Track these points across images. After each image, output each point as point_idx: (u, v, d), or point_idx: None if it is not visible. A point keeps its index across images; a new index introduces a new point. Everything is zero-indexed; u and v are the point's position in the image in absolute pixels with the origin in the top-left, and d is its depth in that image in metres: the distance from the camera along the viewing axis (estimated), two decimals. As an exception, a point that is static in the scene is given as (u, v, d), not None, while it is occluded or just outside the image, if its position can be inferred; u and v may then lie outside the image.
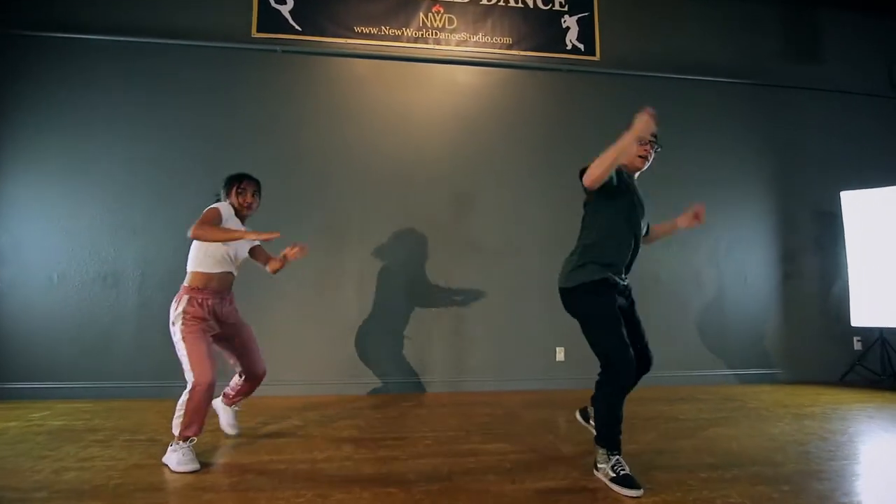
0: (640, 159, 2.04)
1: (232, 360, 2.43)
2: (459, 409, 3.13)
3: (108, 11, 3.60)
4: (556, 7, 4.11)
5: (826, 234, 4.32)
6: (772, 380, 4.07)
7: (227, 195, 2.33)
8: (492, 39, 4.01)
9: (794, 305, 4.22)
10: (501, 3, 4.04)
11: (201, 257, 2.22)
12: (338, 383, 3.56)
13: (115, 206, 3.49)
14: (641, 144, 2.00)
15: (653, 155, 2.05)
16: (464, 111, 3.94)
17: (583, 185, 1.91)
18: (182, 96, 3.63)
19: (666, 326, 3.91)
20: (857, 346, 4.24)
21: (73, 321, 3.39)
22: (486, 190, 3.88)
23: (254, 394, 3.37)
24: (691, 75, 4.21)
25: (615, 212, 1.96)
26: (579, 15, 4.13)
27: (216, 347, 2.30)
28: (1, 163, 3.42)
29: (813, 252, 4.31)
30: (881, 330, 4.06)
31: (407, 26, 3.92)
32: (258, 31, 3.74)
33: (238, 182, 2.34)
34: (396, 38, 3.90)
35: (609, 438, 1.88)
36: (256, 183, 2.39)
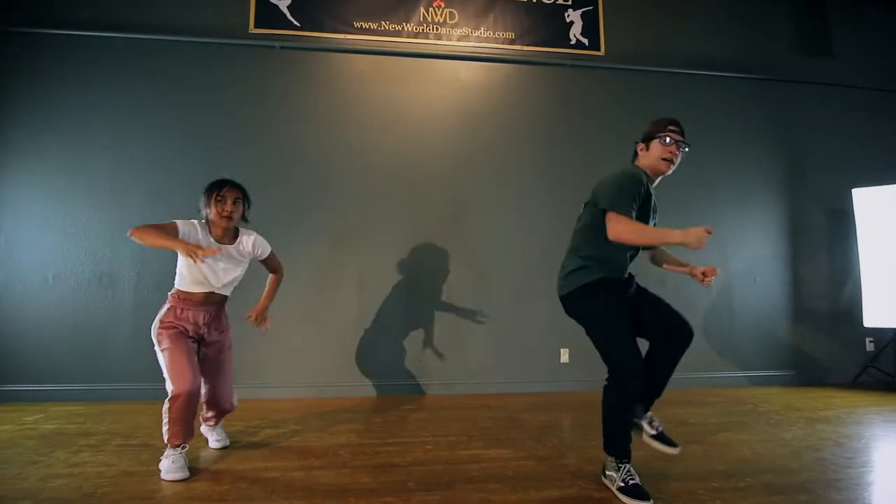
0: (664, 163, 1.85)
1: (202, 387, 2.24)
2: (461, 412, 3.05)
3: (105, 8, 3.54)
4: (560, 1, 4.02)
5: (837, 232, 4.21)
6: (782, 382, 3.96)
7: (207, 205, 2.12)
8: (494, 34, 3.93)
9: (805, 305, 4.11)
10: (504, -3, 3.95)
11: (179, 276, 2.14)
12: (337, 385, 3.49)
13: (110, 205, 3.43)
14: (667, 145, 1.83)
15: (679, 158, 1.87)
16: (465, 108, 3.86)
17: (597, 205, 1.81)
18: (179, 94, 3.57)
19: (673, 327, 3.81)
20: (870, 347, 4.13)
21: (68, 322, 3.34)
22: (487, 188, 3.80)
23: (254, 396, 3.37)
24: (698, 70, 4.11)
25: None
26: (583, 9, 4.04)
27: None
28: (-5, 162, 3.37)
29: (824, 250, 4.20)
30: (895, 330, 3.95)
31: (407, 21, 3.84)
32: (256, 26, 3.67)
33: (218, 189, 2.11)
34: (397, 34, 3.82)
35: (618, 447, 1.80)
36: (239, 190, 2.16)
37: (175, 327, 2.07)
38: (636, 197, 1.76)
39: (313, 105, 3.70)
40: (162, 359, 2.02)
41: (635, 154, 1.95)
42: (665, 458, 2.15)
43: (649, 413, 1.90)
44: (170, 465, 1.93)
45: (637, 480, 1.74)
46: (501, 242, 3.77)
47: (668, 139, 1.83)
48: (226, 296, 2.25)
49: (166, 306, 2.12)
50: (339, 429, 2.67)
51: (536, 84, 3.96)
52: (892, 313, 3.82)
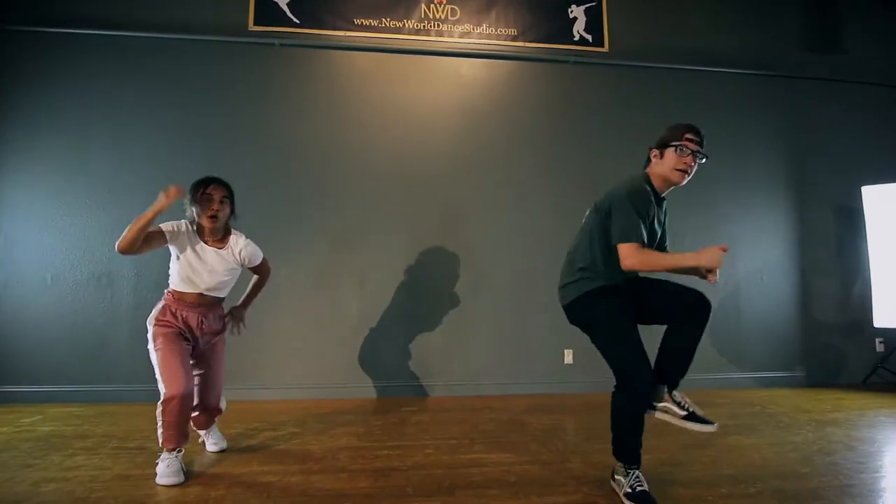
0: (678, 174, 1.74)
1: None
2: (462, 414, 3.00)
3: (105, 7, 3.51)
4: (563, -3, 3.96)
5: (846, 230, 4.13)
6: (790, 383, 3.89)
7: (192, 203, 2.05)
8: (496, 31, 3.87)
9: (814, 305, 4.04)
10: (506, -7, 3.90)
11: (171, 274, 2.10)
12: (337, 387, 3.45)
13: (109, 205, 3.40)
14: (683, 155, 1.74)
15: (695, 168, 1.75)
16: (467, 105, 3.81)
17: (605, 218, 1.74)
18: (178, 93, 3.53)
19: (679, 327, 3.75)
20: (880, 347, 4.05)
21: (67, 323, 3.31)
22: (489, 186, 3.75)
23: (253, 397, 3.33)
24: (705, 66, 4.04)
25: None
26: (587, 5, 3.98)
27: None
28: (-7, 161, 3.35)
29: (833, 249, 4.13)
30: (906, 331, 3.88)
31: (408, 18, 3.79)
32: (255, 24, 3.63)
33: (204, 187, 2.03)
34: (397, 31, 3.78)
35: (627, 452, 1.74)
36: (225, 187, 2.07)
37: (170, 326, 2.03)
38: (645, 218, 1.69)
39: (313, 103, 3.66)
40: (155, 359, 1.98)
41: (648, 160, 1.85)
42: (672, 463, 2.10)
43: (676, 393, 1.78)
44: (165, 470, 1.89)
45: (645, 487, 1.69)
46: (504, 241, 3.72)
47: (685, 149, 1.73)
48: (220, 297, 2.19)
49: (161, 303, 2.08)
50: (338, 431, 2.62)
51: (539, 81, 3.91)
52: (902, 313, 3.75)
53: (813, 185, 4.13)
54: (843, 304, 4.08)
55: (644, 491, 1.67)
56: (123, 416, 2.88)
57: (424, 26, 3.81)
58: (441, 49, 3.81)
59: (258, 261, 2.24)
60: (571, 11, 3.97)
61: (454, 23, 3.84)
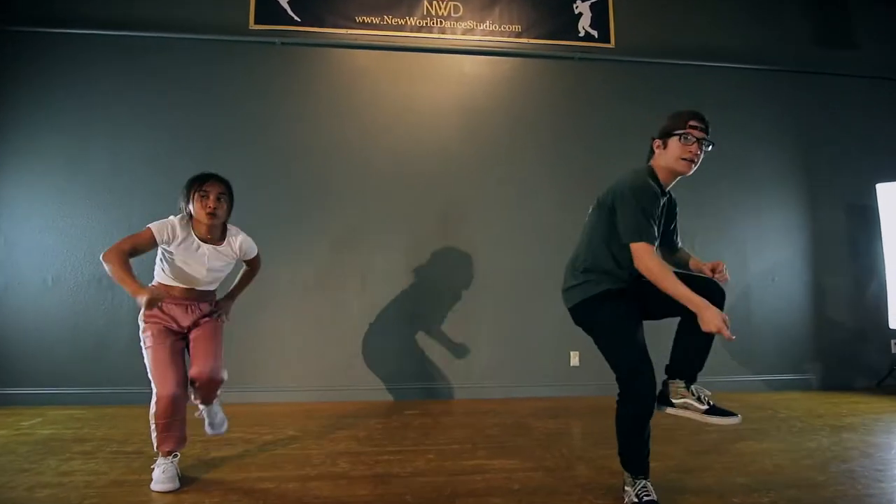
0: (683, 163, 1.65)
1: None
2: (466, 418, 2.94)
3: (105, 7, 3.48)
4: (568, -8, 3.89)
5: (861, 229, 4.02)
6: (803, 386, 3.80)
7: (188, 201, 1.96)
8: (500, 27, 3.81)
9: (827, 306, 3.94)
10: (510, -11, 3.83)
11: (157, 269, 2.03)
12: (339, 389, 3.40)
13: (110, 205, 3.38)
14: (687, 144, 1.64)
15: (701, 157, 1.67)
16: (470, 103, 3.75)
17: (611, 216, 1.68)
18: (178, 92, 3.50)
19: (687, 329, 3.67)
20: (895, 349, 3.94)
21: (67, 324, 3.29)
22: (492, 185, 3.69)
23: (254, 399, 3.29)
24: (713, 62, 3.95)
25: None
26: (592, 0, 3.91)
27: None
28: (-6, 162, 3.34)
29: (846, 249, 4.02)
30: (923, 332, 3.77)
31: (410, 15, 3.74)
32: (256, 22, 3.59)
33: (199, 184, 1.95)
34: (399, 28, 3.73)
35: (634, 462, 1.68)
36: (223, 184, 2.00)
37: (157, 322, 1.96)
38: (655, 215, 1.62)
39: (314, 102, 3.62)
40: (146, 356, 1.93)
41: (651, 151, 1.78)
42: (682, 470, 2.04)
43: (695, 387, 1.70)
44: (160, 475, 1.85)
45: (652, 497, 1.62)
46: (507, 241, 3.65)
47: (689, 137, 1.64)
48: (209, 291, 2.12)
49: None
50: (338, 435, 2.58)
51: (543, 78, 3.84)
52: (919, 314, 3.64)
53: (825, 183, 4.03)
54: (857, 305, 3.97)
55: (652, 501, 1.60)
56: (124, 419, 2.85)
57: (427, 23, 3.76)
58: (443, 46, 3.76)
59: (254, 253, 2.21)
60: (577, 7, 3.90)
61: (457, 20, 3.78)
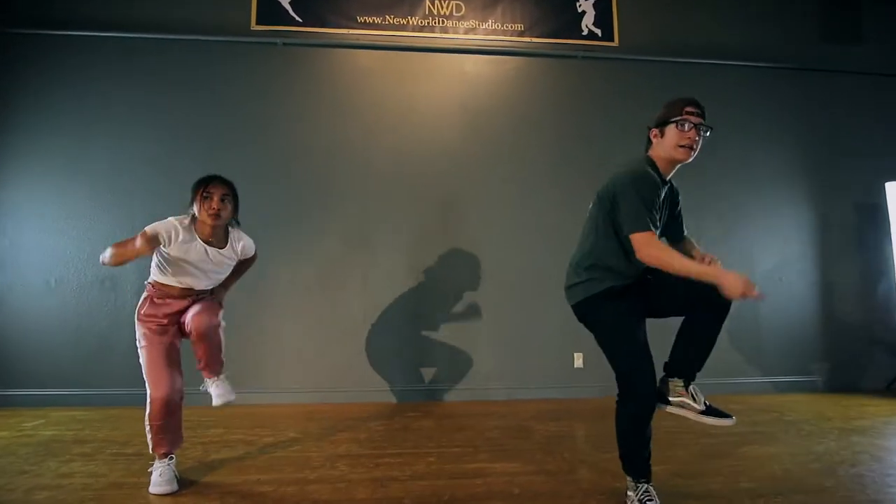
0: (682, 150, 1.62)
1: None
2: (468, 420, 2.92)
3: (106, 8, 3.49)
4: (571, -10, 3.86)
5: (869, 228, 3.96)
6: (811, 388, 3.74)
7: (193, 203, 1.96)
8: (502, 26, 3.79)
9: (834, 306, 3.87)
10: (512, -12, 3.80)
11: (156, 267, 1.99)
12: (341, 391, 3.39)
13: (112, 206, 3.38)
14: (685, 131, 1.61)
15: (699, 144, 1.64)
16: (473, 102, 3.72)
17: (610, 211, 1.65)
18: (180, 93, 3.50)
19: (693, 330, 3.62)
20: (906, 350, 3.88)
21: (71, 326, 3.30)
22: (495, 185, 3.66)
23: (255, 401, 3.28)
24: (719, 60, 3.90)
25: None
26: (596, -2, 3.87)
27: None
28: (-3, 165, 3.35)
29: (855, 248, 3.96)
30: (934, 333, 3.70)
31: (412, 14, 3.72)
32: (258, 23, 3.59)
33: (203, 186, 1.94)
34: (401, 28, 3.71)
35: (635, 465, 1.65)
36: (227, 185, 1.99)
37: (153, 320, 1.93)
38: (653, 204, 1.59)
39: (316, 102, 3.61)
40: (141, 356, 1.91)
41: (648, 141, 1.75)
42: (687, 475, 2.00)
43: (692, 386, 1.67)
44: (157, 478, 1.84)
45: (655, 501, 1.59)
46: (510, 241, 3.63)
47: (685, 124, 1.62)
48: (207, 290, 2.08)
49: (144, 295, 1.98)
50: (339, 437, 2.56)
51: (546, 77, 3.81)
52: (930, 315, 3.58)
53: (832, 181, 3.96)
54: (866, 305, 3.90)
55: None
56: (126, 420, 2.85)
57: (429, 23, 3.74)
58: (446, 46, 3.74)
59: (252, 252, 2.20)
60: (580, 5, 3.86)
61: (459, 19, 3.76)
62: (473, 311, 3.55)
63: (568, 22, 3.84)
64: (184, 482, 1.92)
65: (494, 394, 3.48)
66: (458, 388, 3.48)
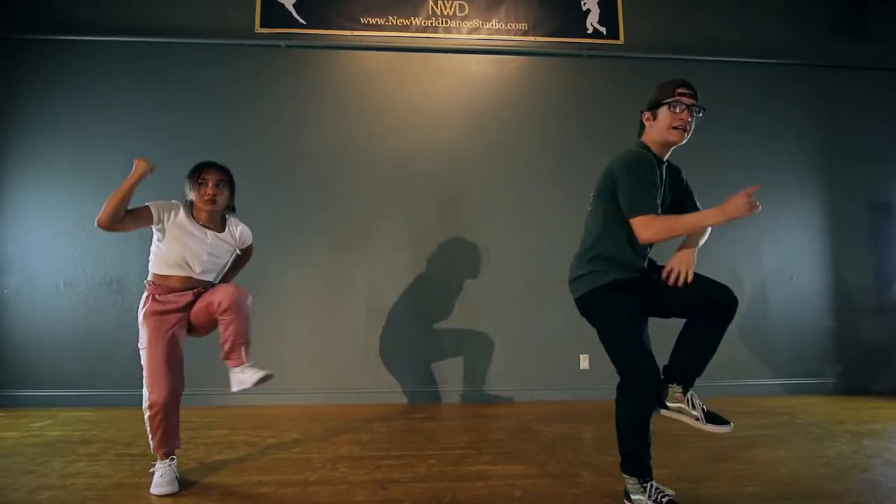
0: (675, 132, 1.62)
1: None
2: (472, 422, 2.90)
3: (108, 12, 3.53)
4: (576, -12, 3.83)
5: (881, 226, 3.87)
6: (822, 390, 3.66)
7: (190, 190, 2.01)
8: (506, 26, 3.77)
9: (846, 306, 3.80)
10: (516, -13, 3.78)
11: (154, 257, 2.00)
12: (344, 392, 3.38)
13: (119, 209, 3.41)
14: (677, 112, 1.61)
15: (692, 125, 1.64)
16: (476, 103, 3.71)
17: (610, 199, 1.65)
18: (184, 95, 3.53)
19: (701, 331, 3.57)
20: (921, 351, 3.79)
21: (79, 327, 3.34)
22: (500, 186, 3.64)
23: (258, 402, 3.29)
24: (726, 57, 3.84)
25: None
26: (600, -4, 3.84)
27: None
28: (6, 170, 3.39)
29: (866, 247, 3.87)
30: (950, 334, 3.61)
31: (416, 15, 3.72)
32: (261, 25, 3.61)
33: (198, 172, 1.99)
34: (404, 28, 3.71)
35: (638, 464, 1.62)
36: (222, 171, 2.02)
37: (157, 318, 1.93)
38: (653, 185, 1.58)
39: (320, 104, 3.62)
40: (142, 357, 1.92)
41: (642, 126, 1.75)
42: (692, 479, 1.96)
43: (690, 392, 1.62)
44: (158, 479, 1.85)
45: (671, 494, 1.57)
46: (514, 242, 3.60)
47: (678, 106, 1.61)
48: (208, 281, 2.07)
49: (145, 294, 1.98)
50: (341, 439, 2.55)
51: (550, 76, 3.78)
52: (946, 315, 3.49)
53: (844, 179, 3.88)
54: (879, 306, 3.82)
55: (672, 500, 1.55)
56: (131, 421, 2.86)
57: (432, 23, 3.73)
58: (449, 46, 3.73)
59: (250, 241, 2.23)
60: (584, 4, 3.83)
61: (463, 19, 3.75)
62: (478, 312, 3.53)
63: (572, 20, 3.82)
64: (185, 483, 1.93)
65: (500, 395, 3.46)
66: (464, 389, 3.46)
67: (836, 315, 3.78)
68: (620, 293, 1.65)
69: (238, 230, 2.14)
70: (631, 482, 1.64)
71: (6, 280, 3.34)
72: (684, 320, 1.68)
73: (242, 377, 1.91)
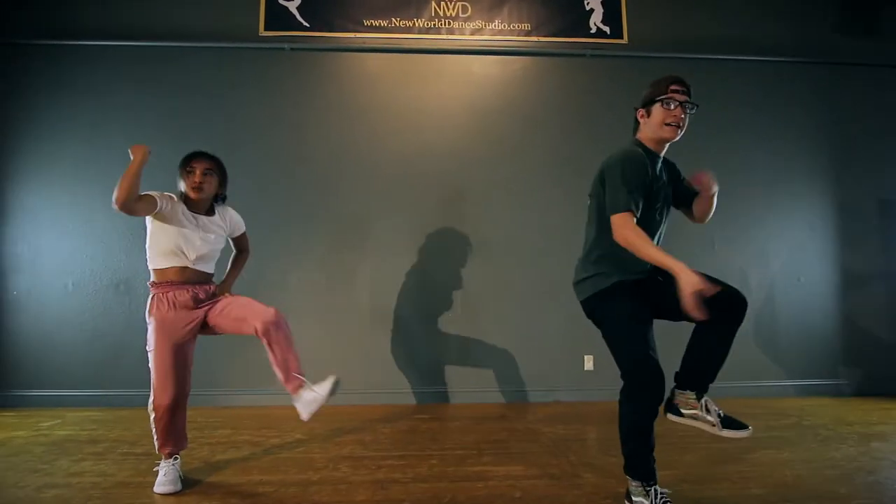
0: (668, 128, 1.63)
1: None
2: (475, 423, 2.90)
3: (113, 16, 3.57)
4: (579, -12, 3.82)
5: (892, 225, 3.81)
6: (832, 392, 3.61)
7: (180, 178, 2.04)
8: (509, 26, 3.76)
9: (856, 307, 3.74)
10: (519, -13, 3.78)
11: (150, 252, 2.00)
12: (347, 393, 3.35)
13: (126, 211, 3.46)
14: (670, 109, 1.61)
15: (686, 121, 1.64)
16: (479, 103, 3.71)
17: (599, 190, 1.68)
18: (188, 99, 3.56)
19: (707, 332, 3.53)
20: (933, 353, 3.72)
21: (87, 328, 3.38)
22: (503, 186, 3.63)
23: (262, 402, 3.31)
24: (732, 55, 3.80)
25: None
26: (604, -5, 3.82)
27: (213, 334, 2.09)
28: (15, 173, 3.44)
29: (877, 246, 3.81)
30: (963, 335, 3.54)
31: (418, 17, 3.73)
32: (266, 29, 3.63)
33: (187, 161, 2.03)
34: (408, 30, 3.72)
35: (642, 468, 1.60)
36: (211, 160, 2.05)
37: (163, 320, 1.93)
38: (638, 184, 1.58)
39: (324, 106, 3.63)
40: (150, 359, 1.94)
41: (636, 122, 1.76)
42: (695, 481, 1.94)
43: (705, 398, 1.60)
44: (161, 478, 1.87)
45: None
46: (518, 243, 3.60)
47: (671, 102, 1.62)
48: (206, 273, 2.08)
49: (150, 296, 2.00)
50: (344, 439, 2.56)
51: (553, 77, 3.77)
52: (959, 316, 3.43)
53: (854, 177, 3.83)
54: (890, 306, 3.76)
55: None
56: (138, 421, 2.89)
57: (435, 25, 3.74)
58: (452, 47, 3.73)
59: (242, 228, 2.25)
60: (588, 3, 3.81)
61: (465, 20, 3.75)
62: (481, 313, 3.53)
63: (575, 20, 3.80)
64: (189, 482, 1.95)
65: (503, 396, 3.45)
66: (467, 390, 3.46)
67: (846, 316, 3.72)
68: (624, 295, 1.64)
69: (228, 214, 2.17)
70: (634, 485, 1.63)
71: (16, 281, 3.39)
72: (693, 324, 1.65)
73: (310, 397, 1.97)
